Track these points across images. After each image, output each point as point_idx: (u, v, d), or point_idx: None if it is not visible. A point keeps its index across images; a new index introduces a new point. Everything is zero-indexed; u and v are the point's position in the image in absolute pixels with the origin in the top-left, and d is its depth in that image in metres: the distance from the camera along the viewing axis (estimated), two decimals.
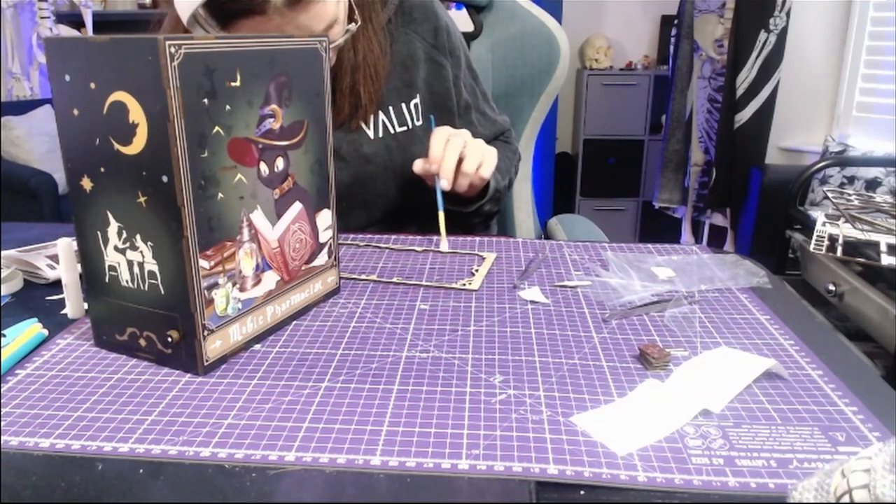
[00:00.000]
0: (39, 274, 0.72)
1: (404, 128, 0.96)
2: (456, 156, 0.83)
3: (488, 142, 1.00)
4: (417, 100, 0.97)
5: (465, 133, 0.87)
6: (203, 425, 0.46)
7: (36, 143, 2.95)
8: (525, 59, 1.18)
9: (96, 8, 3.41)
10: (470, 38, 1.21)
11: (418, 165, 0.86)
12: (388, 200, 0.96)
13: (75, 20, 3.37)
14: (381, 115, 0.94)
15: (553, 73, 1.17)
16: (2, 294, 0.68)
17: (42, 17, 3.25)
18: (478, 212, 0.94)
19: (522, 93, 1.19)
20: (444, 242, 0.82)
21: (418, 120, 0.97)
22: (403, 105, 0.96)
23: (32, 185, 2.72)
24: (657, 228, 3.34)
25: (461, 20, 1.21)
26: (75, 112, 0.50)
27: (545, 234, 1.19)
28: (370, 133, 0.94)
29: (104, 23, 3.44)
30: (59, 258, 0.62)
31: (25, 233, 0.88)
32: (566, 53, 1.17)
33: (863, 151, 2.49)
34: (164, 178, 0.48)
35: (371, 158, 0.94)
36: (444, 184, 0.83)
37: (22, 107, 3.07)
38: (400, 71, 0.95)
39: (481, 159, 0.86)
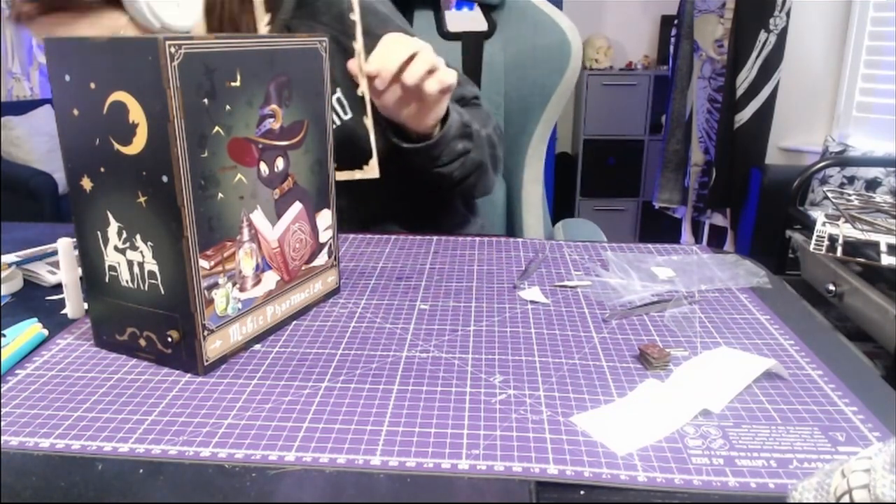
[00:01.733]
0: (40, 277, 0.72)
1: (334, 126, 0.90)
2: (399, 57, 0.71)
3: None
4: (339, 93, 0.90)
5: (422, 44, 0.73)
6: (203, 425, 0.46)
7: (36, 143, 2.95)
8: (537, 58, 1.16)
9: None
10: (483, 37, 1.19)
11: (352, 63, 0.74)
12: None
13: None
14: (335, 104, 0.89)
15: (564, 72, 1.15)
16: (2, 294, 0.68)
17: None
18: (440, 149, 0.82)
19: (534, 92, 1.17)
20: (375, 167, 0.74)
21: (346, 113, 0.90)
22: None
23: (32, 185, 2.72)
24: (657, 228, 3.34)
25: (475, 19, 1.20)
26: (75, 112, 0.50)
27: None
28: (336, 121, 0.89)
29: None
30: (59, 259, 0.62)
31: (25, 233, 0.88)
32: (578, 53, 1.15)
33: (863, 151, 2.49)
34: (164, 178, 0.48)
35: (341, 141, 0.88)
36: (378, 83, 0.72)
37: (22, 107, 3.08)
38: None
39: (431, 66, 0.72)
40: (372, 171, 0.76)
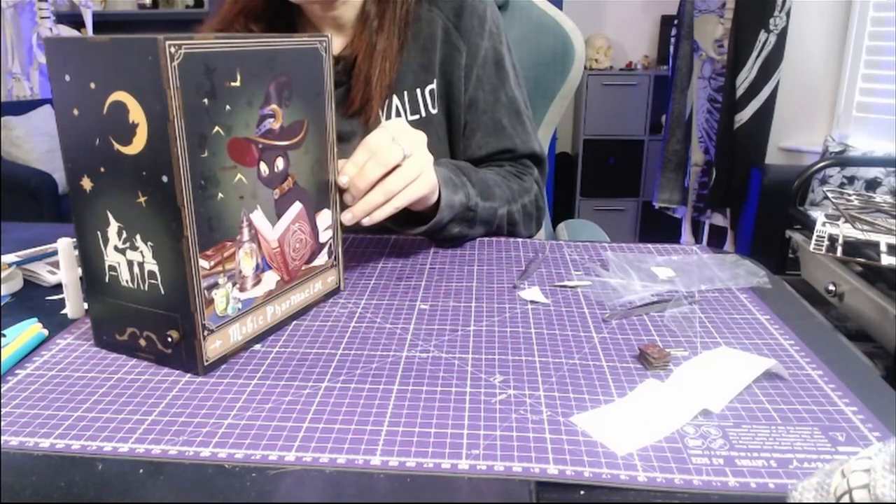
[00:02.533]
0: (40, 277, 0.72)
1: (416, 116, 0.90)
2: (378, 171, 0.66)
3: (481, 159, 0.92)
4: (434, 85, 0.90)
5: (410, 145, 0.68)
6: (203, 425, 0.46)
7: (36, 143, 2.95)
8: (540, 60, 1.16)
9: (96, 8, 3.41)
10: None
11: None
12: None
13: (75, 20, 3.38)
14: (395, 100, 0.89)
15: (568, 73, 1.15)
16: (2, 294, 0.68)
17: (42, 17, 3.25)
18: (432, 233, 0.79)
19: (536, 94, 1.17)
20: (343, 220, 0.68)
21: (434, 108, 0.91)
22: (419, 91, 0.90)
23: (32, 185, 2.72)
24: (657, 228, 3.34)
25: None
26: (75, 112, 0.50)
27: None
28: (382, 118, 0.89)
29: (104, 23, 3.44)
30: (58, 259, 0.62)
31: (25, 233, 0.88)
32: (581, 55, 1.15)
33: (863, 151, 2.49)
34: (164, 178, 0.48)
35: None
36: (347, 198, 0.67)
37: (22, 107, 3.07)
38: (419, 53, 0.89)
39: (408, 181, 0.67)
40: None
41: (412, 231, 0.78)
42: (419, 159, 0.69)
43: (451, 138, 0.94)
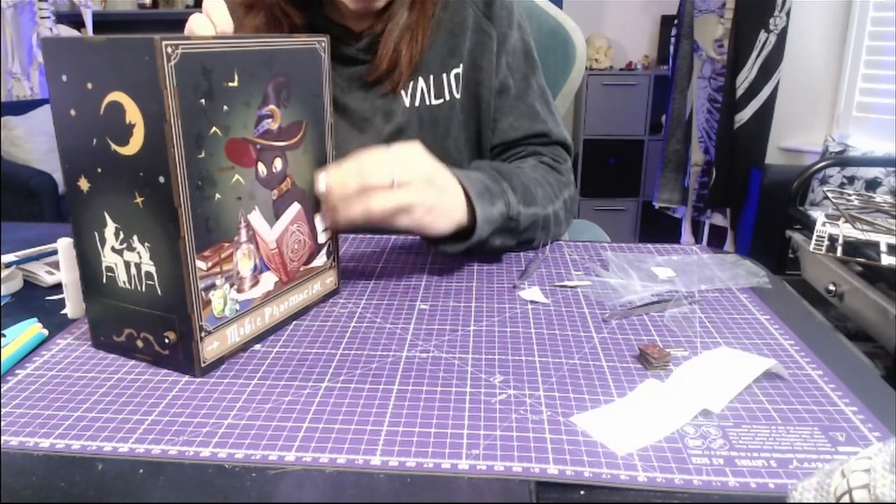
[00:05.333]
0: (38, 278, 0.72)
1: (441, 100, 0.90)
2: (353, 185, 0.61)
3: (515, 140, 0.91)
4: (459, 70, 0.90)
5: (416, 171, 0.64)
6: (203, 425, 0.46)
7: (36, 143, 2.95)
8: (541, 60, 1.15)
9: (96, 8, 3.41)
10: None
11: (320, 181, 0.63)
12: None
13: (75, 20, 3.38)
14: (421, 82, 0.89)
15: (569, 74, 1.15)
16: (2, 294, 0.68)
17: (42, 17, 3.25)
18: (473, 249, 0.72)
19: None
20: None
21: (458, 92, 0.90)
22: (444, 75, 0.89)
23: (32, 185, 2.72)
24: (657, 228, 3.34)
25: None
26: (72, 112, 0.50)
27: None
28: (406, 100, 0.88)
29: (104, 23, 3.44)
30: (59, 259, 0.62)
31: (25, 233, 0.88)
32: (582, 55, 1.15)
33: (863, 151, 2.49)
34: (161, 179, 0.48)
35: (403, 129, 0.88)
36: (325, 207, 0.64)
37: (22, 107, 3.08)
38: (446, 37, 0.89)
39: (393, 210, 0.62)
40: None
41: (448, 249, 0.71)
42: (415, 194, 0.63)
43: (479, 124, 0.92)
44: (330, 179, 0.62)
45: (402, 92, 0.88)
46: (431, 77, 0.89)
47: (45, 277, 0.71)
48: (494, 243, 0.75)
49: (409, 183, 0.63)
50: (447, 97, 0.90)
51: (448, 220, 0.68)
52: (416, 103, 0.89)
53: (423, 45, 0.86)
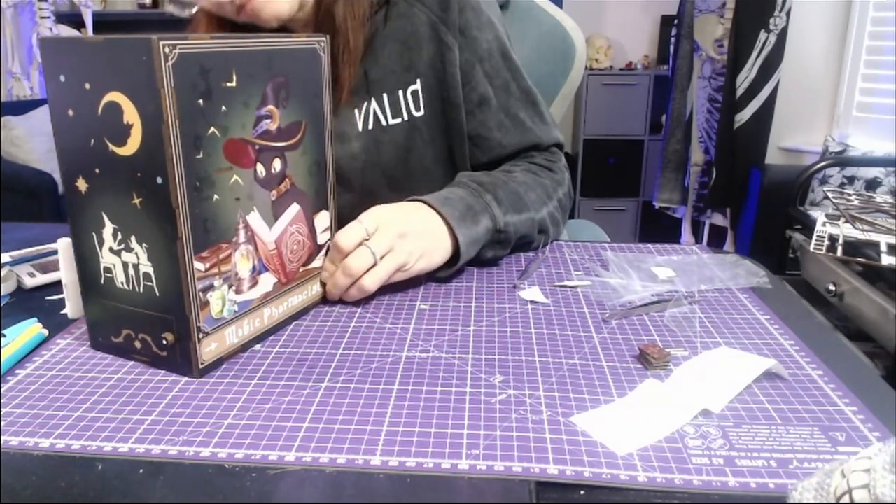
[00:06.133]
0: (19, 280, 0.71)
1: (398, 119, 0.84)
2: (346, 281, 0.65)
3: (508, 156, 0.87)
4: (418, 86, 0.83)
5: (390, 236, 0.66)
6: (203, 425, 0.46)
7: (36, 143, 2.95)
8: (541, 59, 1.15)
9: (96, 8, 3.41)
10: None
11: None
12: (372, 203, 0.71)
13: (75, 20, 3.38)
14: (373, 104, 0.83)
15: (569, 73, 1.14)
16: (2, 294, 0.68)
17: (42, 17, 3.25)
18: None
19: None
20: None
21: (418, 110, 0.84)
22: (400, 92, 0.83)
23: (32, 185, 2.72)
24: (657, 228, 3.34)
25: None
26: (70, 112, 0.50)
27: None
28: (359, 123, 0.83)
29: (104, 23, 3.44)
30: (58, 259, 0.62)
31: (25, 233, 0.88)
32: (582, 55, 1.14)
33: (863, 151, 2.49)
34: (159, 180, 0.48)
35: (356, 155, 0.84)
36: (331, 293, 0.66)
37: (22, 107, 3.07)
38: (399, 51, 0.82)
39: (383, 279, 0.65)
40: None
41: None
42: (399, 254, 0.66)
43: (449, 139, 0.87)
44: (323, 277, 0.66)
45: (356, 112, 0.83)
46: (385, 96, 0.83)
47: (26, 280, 0.71)
48: (487, 256, 0.75)
49: (390, 248, 0.66)
50: (405, 116, 0.84)
51: (440, 255, 0.70)
52: (370, 126, 0.84)
53: (358, 52, 0.80)
